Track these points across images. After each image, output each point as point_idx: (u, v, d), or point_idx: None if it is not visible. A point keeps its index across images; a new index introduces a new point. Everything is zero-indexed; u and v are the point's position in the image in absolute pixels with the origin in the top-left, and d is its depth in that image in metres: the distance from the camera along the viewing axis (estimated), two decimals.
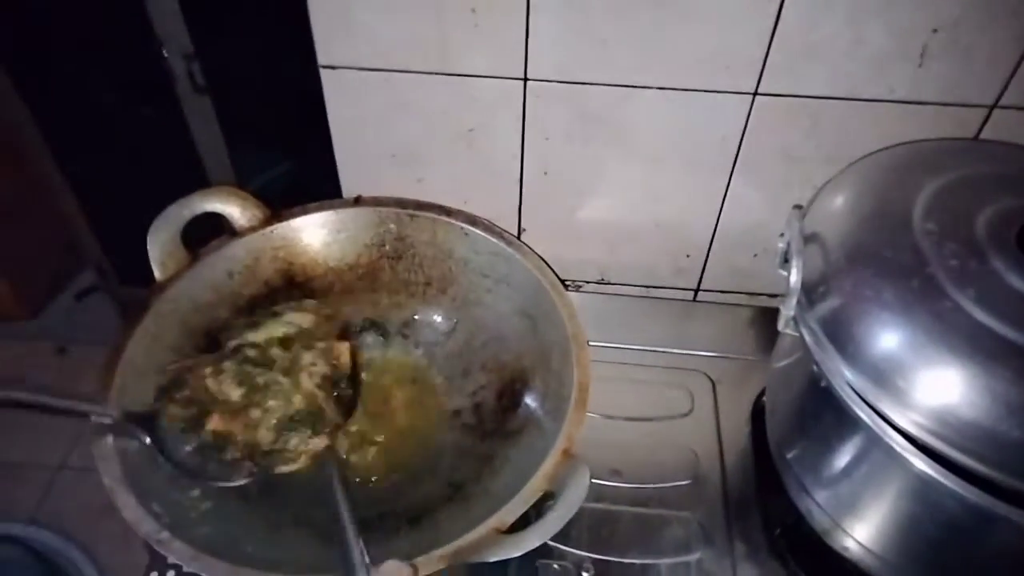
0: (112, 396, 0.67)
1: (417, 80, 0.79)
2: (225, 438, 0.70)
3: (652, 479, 0.78)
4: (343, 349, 0.78)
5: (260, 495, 0.69)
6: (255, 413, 0.72)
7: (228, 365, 0.74)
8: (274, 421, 0.72)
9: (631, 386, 0.86)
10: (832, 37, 0.71)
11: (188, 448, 0.69)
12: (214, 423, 0.70)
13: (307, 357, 0.76)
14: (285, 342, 0.76)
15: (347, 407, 0.76)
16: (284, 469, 0.71)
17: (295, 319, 0.77)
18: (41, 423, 1.76)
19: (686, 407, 0.85)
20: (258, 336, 0.76)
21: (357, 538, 0.60)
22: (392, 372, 0.80)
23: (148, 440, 0.67)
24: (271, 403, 0.72)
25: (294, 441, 0.72)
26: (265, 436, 0.71)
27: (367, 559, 0.58)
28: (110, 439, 0.64)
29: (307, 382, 0.74)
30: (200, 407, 0.71)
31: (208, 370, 0.73)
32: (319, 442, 0.72)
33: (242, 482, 0.69)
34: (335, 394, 0.75)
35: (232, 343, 0.75)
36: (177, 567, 0.68)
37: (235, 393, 0.72)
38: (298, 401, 0.73)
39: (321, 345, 0.77)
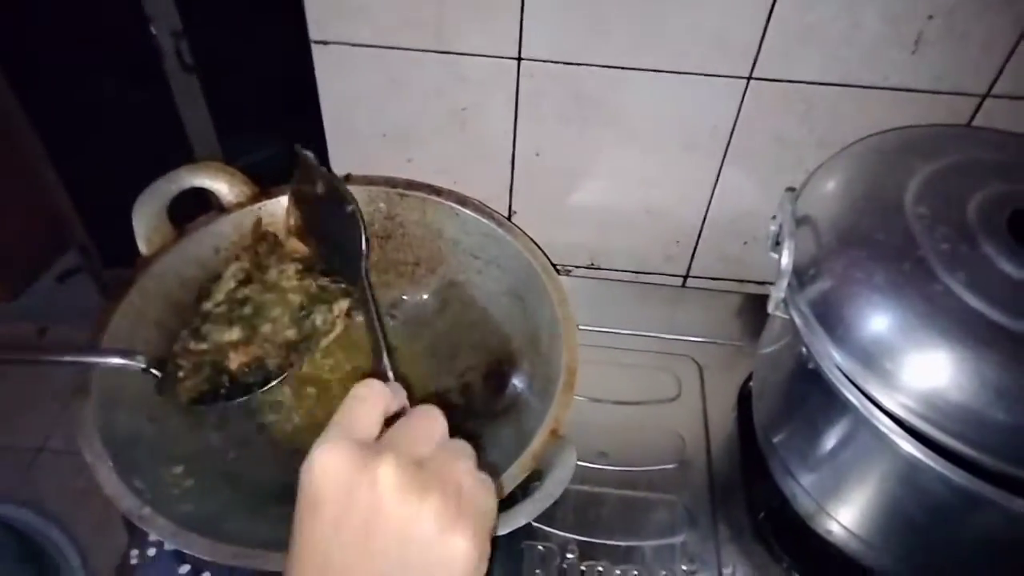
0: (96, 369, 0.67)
1: (410, 57, 0.78)
2: (256, 362, 0.72)
3: (638, 462, 0.78)
4: (292, 243, 0.81)
5: (243, 472, 0.68)
6: (265, 328, 0.73)
7: (207, 327, 0.74)
8: (287, 319, 0.74)
9: (619, 370, 0.86)
10: (828, 22, 0.71)
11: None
12: (235, 360, 0.71)
13: (272, 272, 0.77)
14: (242, 283, 0.77)
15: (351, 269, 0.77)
16: (327, 341, 0.74)
17: (234, 269, 0.78)
18: (20, 405, 1.75)
19: (673, 392, 0.85)
20: (216, 299, 0.76)
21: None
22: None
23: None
24: (274, 313, 0.74)
25: (319, 320, 0.74)
26: (290, 335, 0.73)
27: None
28: (90, 413, 0.64)
29: (289, 283, 0.76)
30: (211, 363, 0.72)
31: (191, 343, 0.73)
32: (342, 305, 0.75)
33: (286, 374, 0.72)
34: (321, 272, 0.78)
35: (195, 321, 0.75)
36: (158, 545, 0.67)
37: (232, 334, 0.73)
38: (295, 299, 0.75)
39: (272, 258, 0.79)
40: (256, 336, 0.73)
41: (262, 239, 0.81)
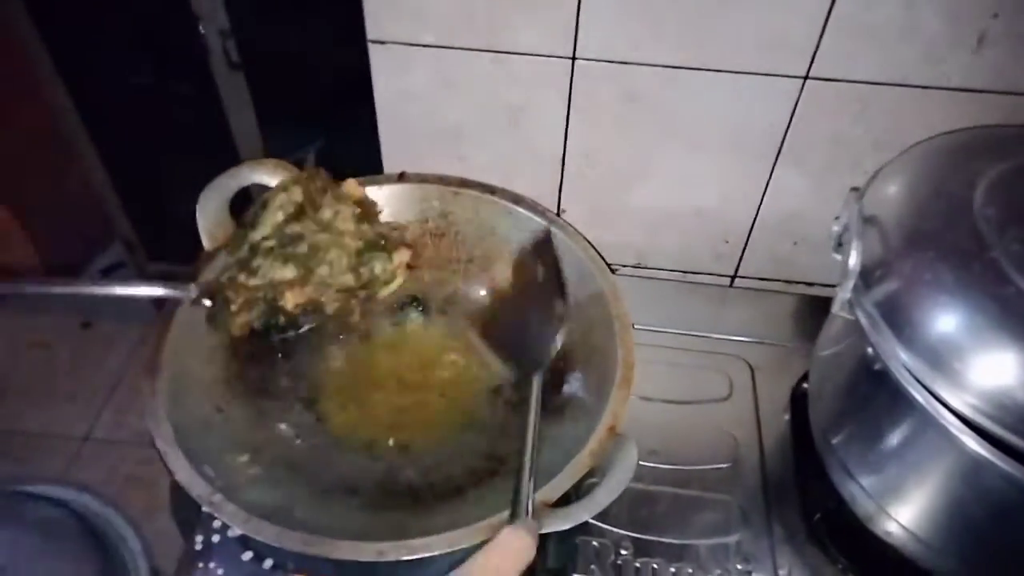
0: (165, 356, 0.68)
1: (465, 57, 0.79)
2: (311, 304, 0.72)
3: (691, 461, 0.78)
4: (349, 185, 0.79)
5: (306, 463, 0.69)
6: (323, 270, 0.73)
7: (259, 261, 0.73)
8: (344, 263, 0.73)
9: (669, 369, 0.86)
10: (887, 21, 0.71)
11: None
12: (291, 299, 0.71)
13: (327, 212, 0.76)
14: (292, 217, 0.75)
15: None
16: (387, 291, 0.75)
17: (282, 199, 0.76)
18: (65, 394, 1.78)
19: (724, 392, 0.85)
20: (263, 231, 0.75)
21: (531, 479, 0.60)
22: (433, 347, 0.80)
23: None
24: (331, 255, 0.73)
25: (378, 268, 0.74)
26: (348, 279, 0.73)
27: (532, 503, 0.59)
28: (160, 402, 0.65)
29: (345, 225, 0.75)
30: (265, 300, 0.72)
31: (242, 276, 0.72)
32: (403, 255, 0.75)
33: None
34: (376, 219, 0.77)
35: (242, 251, 0.74)
36: (222, 531, 0.68)
37: (287, 272, 0.72)
38: (352, 243, 0.74)
39: (326, 198, 0.77)
40: (312, 277, 0.72)
41: (315, 177, 0.79)
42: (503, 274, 0.83)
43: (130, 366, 1.82)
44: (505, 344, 0.77)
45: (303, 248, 0.74)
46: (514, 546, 0.56)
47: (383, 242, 0.77)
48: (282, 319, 0.73)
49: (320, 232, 0.75)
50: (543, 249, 0.80)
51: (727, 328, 0.91)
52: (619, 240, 0.94)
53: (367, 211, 0.79)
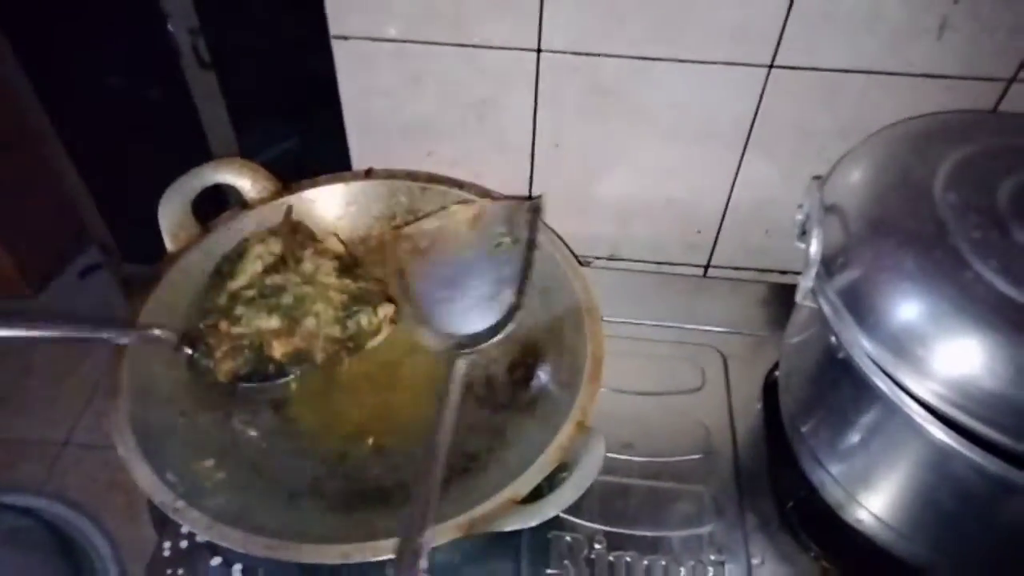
0: (127, 362, 0.67)
1: (430, 51, 0.78)
2: (299, 354, 0.73)
3: (663, 453, 0.78)
4: (327, 239, 0.81)
5: (274, 466, 0.69)
6: (309, 322, 0.73)
7: (240, 309, 0.73)
8: (331, 315, 0.74)
9: (642, 361, 0.86)
10: (850, 9, 0.70)
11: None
12: (279, 348, 0.72)
13: (307, 265, 0.77)
14: (272, 268, 0.76)
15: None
16: (375, 343, 0.76)
17: (260, 250, 0.77)
18: (45, 399, 1.77)
19: (697, 382, 0.84)
20: (242, 280, 0.76)
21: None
22: (402, 344, 0.80)
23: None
24: (316, 307, 0.74)
25: (364, 320, 0.75)
26: (334, 330, 0.74)
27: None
28: (123, 407, 0.64)
29: (328, 279, 0.76)
30: (251, 347, 0.72)
31: (223, 324, 0.73)
32: (387, 309, 0.76)
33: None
34: (358, 274, 0.78)
35: (220, 299, 0.75)
36: (190, 537, 0.68)
37: (272, 322, 0.73)
38: (336, 296, 0.75)
39: (307, 252, 0.78)
40: (299, 328, 0.73)
41: (295, 229, 0.80)
42: (463, 215, 0.80)
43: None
44: (431, 305, 0.74)
45: (288, 299, 0.74)
46: None
47: (366, 294, 0.77)
48: (271, 367, 0.73)
49: (304, 284, 0.75)
50: (517, 217, 0.76)
51: (700, 319, 0.91)
52: (591, 232, 0.93)
53: (348, 265, 0.80)
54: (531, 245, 0.75)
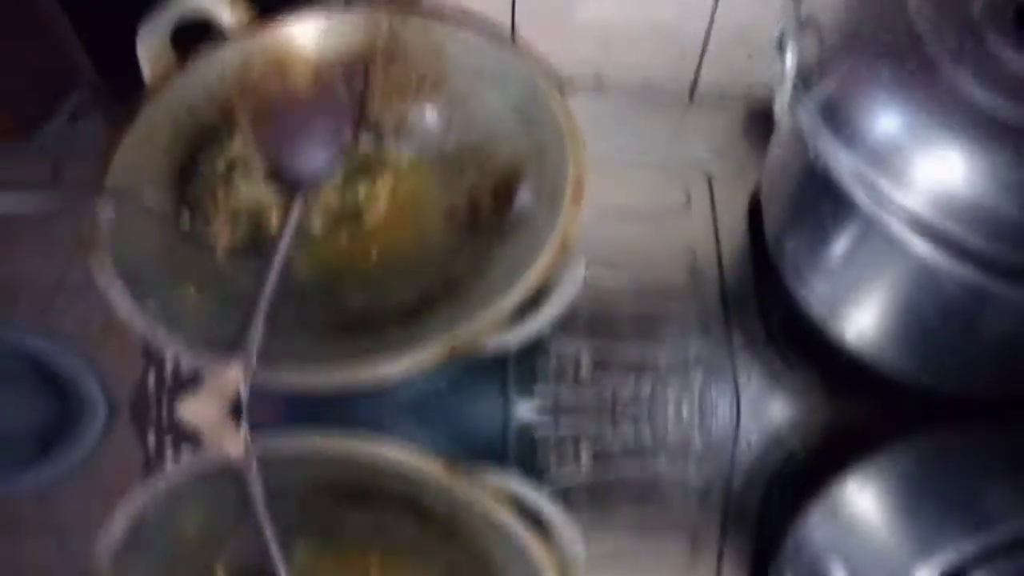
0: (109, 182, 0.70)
1: None
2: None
3: (649, 274, 0.80)
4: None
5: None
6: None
7: (239, 178, 0.74)
8: (328, 188, 0.74)
9: (627, 185, 0.87)
10: None
11: None
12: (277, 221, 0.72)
13: None
14: None
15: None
16: (374, 217, 0.76)
17: (229, 69, 0.76)
18: (34, 241, 1.78)
19: (683, 204, 0.86)
20: (236, 147, 0.76)
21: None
22: (386, 170, 0.81)
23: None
24: None
25: (362, 193, 0.76)
26: (332, 199, 0.74)
27: None
28: (104, 239, 0.66)
29: None
30: (250, 219, 0.73)
31: (220, 192, 0.74)
32: (387, 181, 0.77)
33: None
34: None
35: (219, 164, 0.75)
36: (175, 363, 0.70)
37: (271, 195, 0.73)
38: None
39: None
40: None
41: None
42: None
43: None
44: (277, 144, 0.75)
45: None
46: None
47: (365, 166, 0.77)
48: (267, 240, 0.73)
49: None
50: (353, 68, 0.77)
51: (685, 143, 0.92)
52: (575, 58, 0.92)
53: None
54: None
